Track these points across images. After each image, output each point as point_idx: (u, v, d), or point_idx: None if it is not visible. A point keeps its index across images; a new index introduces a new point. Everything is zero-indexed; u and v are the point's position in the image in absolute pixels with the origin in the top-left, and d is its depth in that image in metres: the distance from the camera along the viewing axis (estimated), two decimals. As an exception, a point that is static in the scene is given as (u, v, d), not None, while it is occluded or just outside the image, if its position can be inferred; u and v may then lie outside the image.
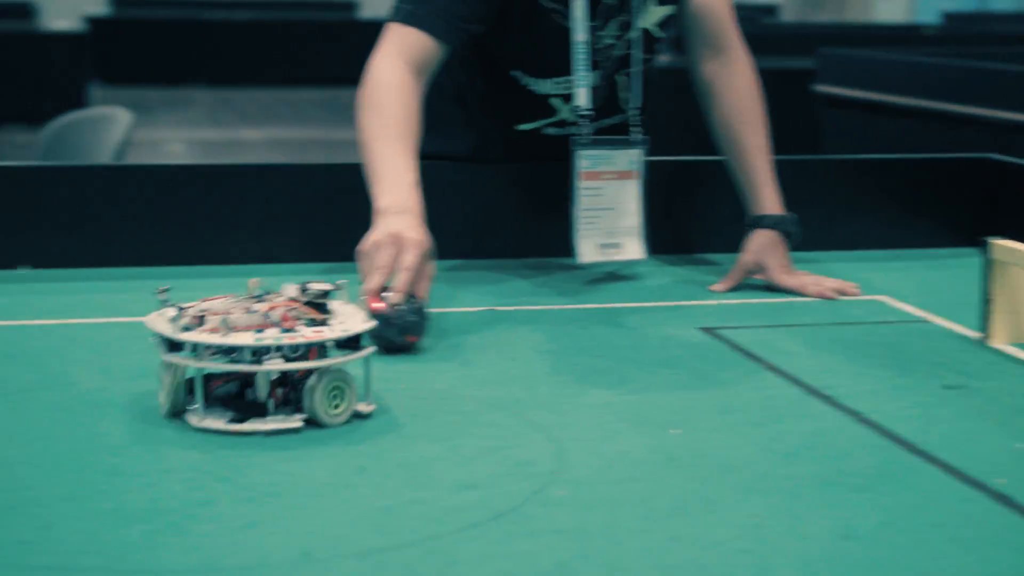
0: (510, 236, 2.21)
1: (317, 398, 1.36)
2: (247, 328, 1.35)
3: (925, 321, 1.86)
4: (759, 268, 2.02)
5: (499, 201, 2.20)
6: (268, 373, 1.35)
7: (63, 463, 1.26)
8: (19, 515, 1.13)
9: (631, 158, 2.05)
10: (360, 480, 1.23)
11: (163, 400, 1.39)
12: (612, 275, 2.10)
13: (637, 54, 2.07)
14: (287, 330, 1.35)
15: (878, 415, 1.43)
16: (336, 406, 1.37)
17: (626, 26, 2.05)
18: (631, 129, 2.07)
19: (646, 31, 2.07)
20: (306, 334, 1.35)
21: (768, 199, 2.05)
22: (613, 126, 2.12)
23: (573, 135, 2.03)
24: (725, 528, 1.14)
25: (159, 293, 1.41)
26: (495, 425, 1.39)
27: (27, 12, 12.11)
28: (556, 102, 2.08)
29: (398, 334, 1.61)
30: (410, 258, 1.64)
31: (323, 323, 1.39)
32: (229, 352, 1.35)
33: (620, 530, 1.13)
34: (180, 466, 1.25)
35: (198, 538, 1.10)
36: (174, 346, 1.37)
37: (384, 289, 1.62)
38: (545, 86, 2.06)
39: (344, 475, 1.24)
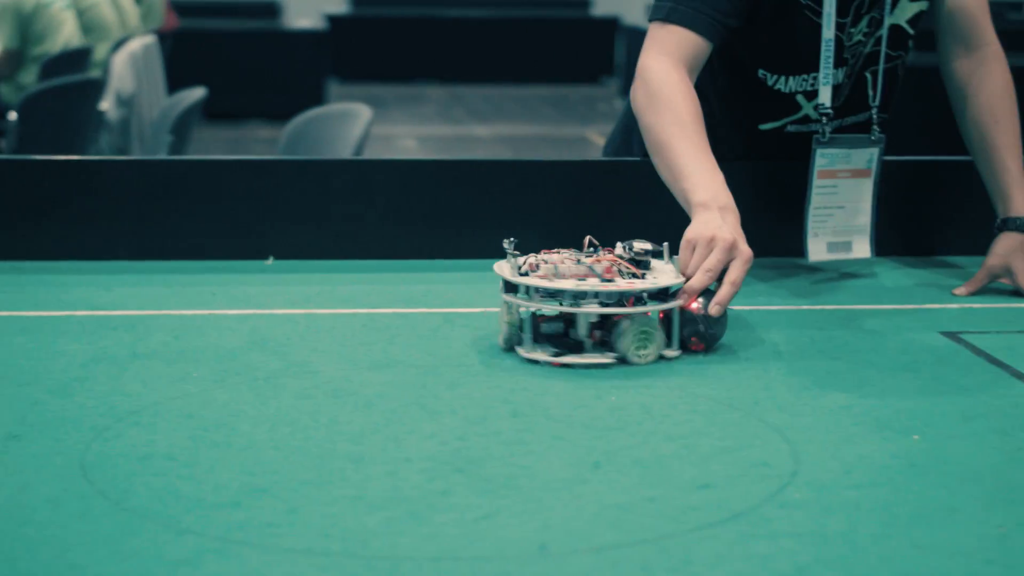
0: (746, 235, 2.18)
1: (626, 340, 1.56)
2: (572, 276, 1.57)
3: None
4: (1006, 272, 1.96)
5: (735, 200, 2.18)
6: (588, 315, 1.57)
7: (307, 449, 1.29)
8: (267, 498, 1.17)
9: (868, 156, 2.01)
10: (595, 476, 1.24)
11: (501, 334, 1.63)
12: (849, 275, 2.06)
13: (884, 51, 2.02)
14: (606, 280, 1.57)
15: None
16: (642, 348, 1.57)
17: (878, 22, 2.00)
18: (872, 127, 2.03)
19: (897, 27, 2.03)
20: (619, 284, 1.56)
21: (1018, 200, 1.99)
22: (857, 123, 2.09)
23: (815, 132, 2.00)
24: (969, 538, 1.11)
25: (507, 244, 1.62)
26: (731, 425, 1.38)
27: (272, 11, 12.52)
28: (800, 99, 2.05)
29: (689, 336, 1.61)
30: (739, 274, 1.63)
31: (640, 277, 1.59)
32: (554, 295, 1.57)
33: (860, 536, 1.11)
34: (419, 456, 1.28)
35: (437, 527, 1.12)
36: (511, 288, 1.60)
37: (706, 292, 1.62)
38: (791, 83, 2.03)
39: (579, 471, 1.25)
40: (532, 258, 1.61)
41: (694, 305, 1.61)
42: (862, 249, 2.01)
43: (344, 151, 3.47)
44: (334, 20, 12.74)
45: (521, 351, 1.59)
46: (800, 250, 2.00)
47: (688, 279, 1.62)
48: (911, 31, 2.05)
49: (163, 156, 4.18)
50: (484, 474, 1.24)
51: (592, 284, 1.56)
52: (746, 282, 2.01)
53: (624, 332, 1.56)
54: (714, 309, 1.61)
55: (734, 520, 1.14)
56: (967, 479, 1.24)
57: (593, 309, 1.55)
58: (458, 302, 1.88)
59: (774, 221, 2.16)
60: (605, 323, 1.58)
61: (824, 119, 1.98)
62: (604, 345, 1.58)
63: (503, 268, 1.61)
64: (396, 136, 9.48)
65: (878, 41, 2.02)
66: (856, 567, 1.06)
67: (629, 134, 2.26)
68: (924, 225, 2.22)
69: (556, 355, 1.57)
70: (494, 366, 1.58)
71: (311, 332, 1.72)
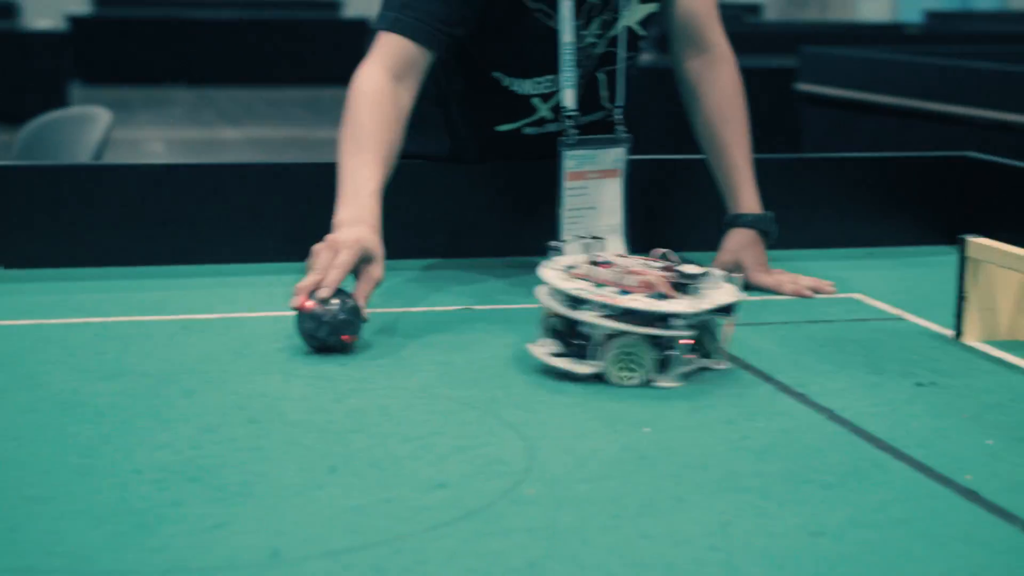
0: (487, 235, 2.21)
1: (609, 358, 1.50)
2: (612, 283, 1.53)
3: (899, 319, 1.86)
4: (736, 266, 2.02)
5: (476, 201, 2.20)
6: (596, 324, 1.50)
7: (32, 464, 1.25)
8: (-13, 516, 1.13)
9: (615, 156, 2.05)
10: (331, 480, 1.23)
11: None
12: (589, 274, 2.10)
13: (621, 52, 2.06)
14: (654, 295, 1.50)
15: (849, 412, 1.44)
16: (626, 370, 1.51)
17: (609, 24, 2.04)
18: (615, 127, 2.06)
19: (629, 29, 2.07)
20: (620, 300, 1.50)
21: (747, 197, 2.06)
22: (593, 123, 2.12)
23: (556, 134, 2.02)
24: (694, 526, 1.14)
25: (552, 247, 1.62)
26: (468, 424, 1.39)
27: (9, 11, 12.08)
28: (536, 101, 2.08)
29: (329, 333, 1.61)
30: (343, 257, 1.63)
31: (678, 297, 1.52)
32: (561, 296, 1.53)
33: (590, 528, 1.13)
34: (150, 466, 1.25)
35: (166, 539, 1.09)
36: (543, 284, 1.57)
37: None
38: (526, 86, 2.06)
39: (315, 475, 1.24)
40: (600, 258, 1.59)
41: (310, 304, 1.60)
42: (616, 247, 2.05)
43: (82, 156, 3.37)
44: (76, 21, 12.38)
45: (534, 345, 1.57)
46: (543, 250, 2.02)
47: None
48: (642, 32, 2.10)
49: None
50: (218, 482, 1.22)
51: (595, 294, 1.51)
52: (484, 281, 2.03)
53: (607, 349, 1.51)
54: (321, 292, 1.60)
55: (468, 518, 1.15)
56: (694, 468, 1.27)
57: (588, 317, 1.50)
58: (197, 308, 1.85)
59: (517, 221, 2.19)
60: (609, 338, 1.52)
61: (569, 121, 2.01)
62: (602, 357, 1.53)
63: (554, 262, 1.61)
64: (143, 140, 9.26)
65: (610, 42, 2.06)
66: (586, 559, 1.07)
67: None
68: (661, 221, 2.28)
69: (555, 355, 1.55)
70: (231, 373, 1.56)
71: (40, 343, 1.67)
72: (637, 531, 1.13)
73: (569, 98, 2.01)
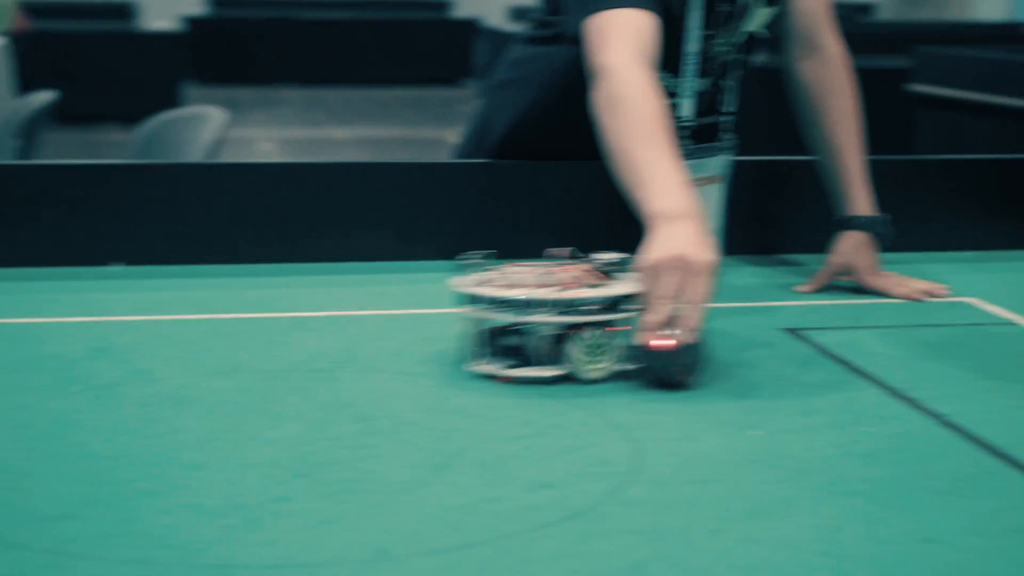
0: (593, 239, 2.20)
1: (575, 352, 1.49)
2: (529, 286, 1.49)
3: (1013, 324, 1.83)
4: (847, 270, 2.00)
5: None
6: (540, 327, 1.50)
7: (145, 458, 1.28)
8: (101, 508, 1.15)
9: (719, 162, 2.04)
10: (437, 478, 1.24)
11: (465, 349, 1.56)
12: (696, 275, 2.08)
13: (743, 58, 2.04)
14: (561, 290, 1.49)
15: (962, 418, 1.41)
16: (594, 362, 1.49)
17: (735, 31, 2.02)
18: (722, 134, 2.04)
19: (752, 34, 2.05)
20: (568, 293, 1.48)
21: (859, 199, 2.03)
22: (705, 126, 2.10)
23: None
24: (802, 530, 1.13)
25: (461, 259, 1.55)
26: (573, 424, 1.39)
27: (126, 12, 12.32)
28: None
29: (676, 374, 1.50)
30: (701, 289, 1.49)
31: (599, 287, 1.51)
32: (505, 305, 1.49)
33: (696, 531, 1.13)
34: (260, 462, 1.27)
35: (275, 534, 1.11)
36: (473, 300, 1.52)
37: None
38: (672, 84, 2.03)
39: (421, 473, 1.25)
40: (497, 269, 1.54)
41: (670, 343, 1.47)
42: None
43: (197, 154, 3.42)
44: (193, 22, 12.59)
45: (472, 365, 1.53)
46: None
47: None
48: (764, 35, 2.08)
49: (8, 161, 4.08)
50: (326, 479, 1.23)
51: (542, 294, 1.48)
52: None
53: (573, 344, 1.49)
54: (683, 336, 1.48)
55: (573, 519, 1.15)
56: (802, 472, 1.26)
57: (542, 318, 1.47)
58: (309, 306, 1.87)
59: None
60: (561, 336, 1.50)
61: (684, 131, 1.97)
62: (558, 358, 1.51)
63: (464, 279, 1.54)
64: (254, 139, 9.38)
65: (738, 49, 2.04)
66: (692, 562, 1.07)
67: (481, 139, 2.25)
68: (767, 224, 2.26)
69: (508, 368, 1.51)
70: (341, 371, 1.57)
71: (155, 339, 1.70)
72: (743, 535, 1.12)
73: (687, 108, 1.98)
